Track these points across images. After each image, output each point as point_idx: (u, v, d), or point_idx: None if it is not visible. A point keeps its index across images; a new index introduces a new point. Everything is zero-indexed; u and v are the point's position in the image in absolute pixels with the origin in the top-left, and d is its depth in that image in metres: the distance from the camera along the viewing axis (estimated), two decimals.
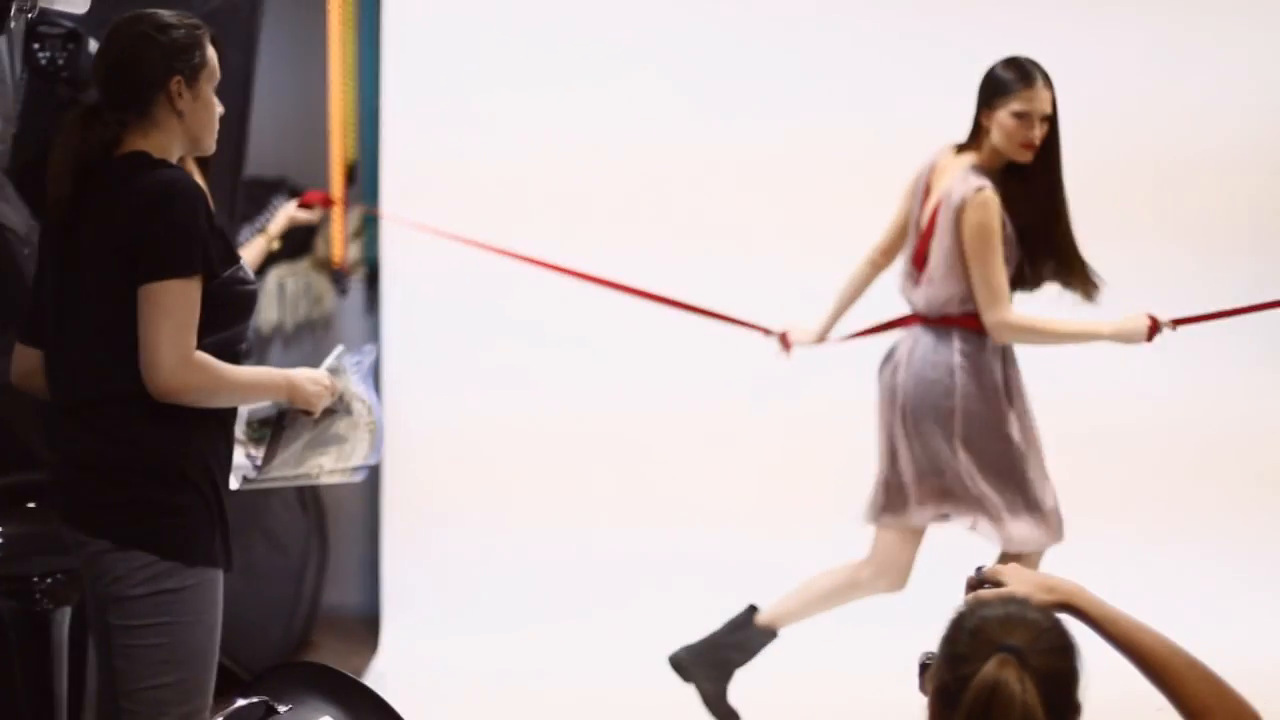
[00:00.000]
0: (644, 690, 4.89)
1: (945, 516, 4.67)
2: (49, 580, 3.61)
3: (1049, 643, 2.17)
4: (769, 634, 4.81)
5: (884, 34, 5.87)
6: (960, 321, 4.60)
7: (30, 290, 3.34)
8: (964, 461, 4.57)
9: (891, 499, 4.70)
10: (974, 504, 4.58)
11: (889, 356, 4.75)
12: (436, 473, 6.00)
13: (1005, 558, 4.57)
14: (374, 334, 6.10)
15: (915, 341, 4.67)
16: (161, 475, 3.11)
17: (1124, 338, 4.56)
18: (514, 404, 5.98)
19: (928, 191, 4.69)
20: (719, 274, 5.66)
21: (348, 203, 6.15)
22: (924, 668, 2.29)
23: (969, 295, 4.57)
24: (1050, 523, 4.61)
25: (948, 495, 4.61)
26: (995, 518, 4.58)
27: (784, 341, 5.03)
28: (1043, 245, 4.60)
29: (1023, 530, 4.58)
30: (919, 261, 4.66)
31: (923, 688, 2.28)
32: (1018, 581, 2.39)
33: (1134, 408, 5.88)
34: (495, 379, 5.98)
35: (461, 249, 5.55)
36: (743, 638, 4.81)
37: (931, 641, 2.26)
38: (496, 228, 5.67)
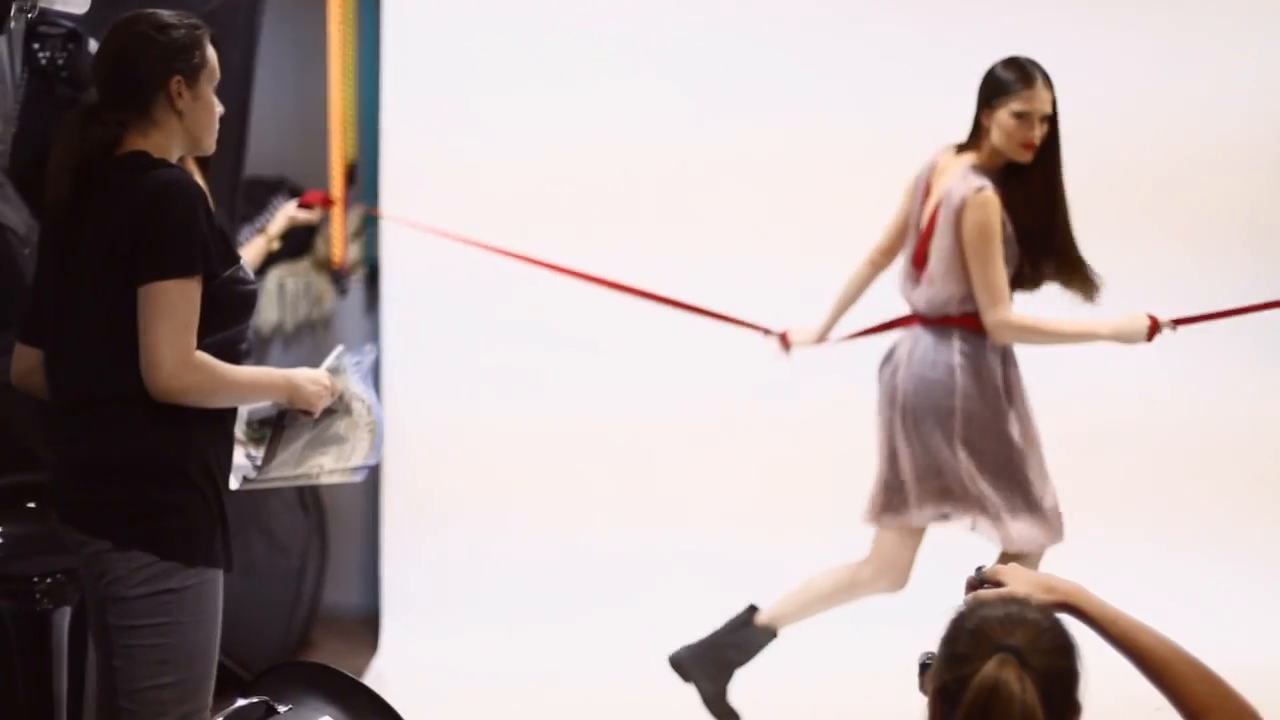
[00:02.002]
0: (644, 690, 4.90)
1: (945, 516, 4.67)
2: (49, 580, 3.61)
3: (1049, 642, 2.17)
4: (769, 634, 4.81)
5: (886, 33, 5.87)
6: (960, 322, 4.60)
7: (30, 290, 3.34)
8: (964, 462, 4.57)
9: (891, 499, 4.70)
10: (973, 504, 4.59)
11: (889, 357, 4.76)
12: (436, 473, 6.00)
13: (1005, 557, 4.57)
14: (374, 334, 6.10)
15: (915, 342, 4.67)
16: (162, 475, 3.11)
17: (1124, 338, 4.55)
18: (514, 405, 5.97)
19: (928, 191, 4.69)
20: (720, 275, 5.67)
21: (348, 203, 6.15)
22: (924, 667, 2.30)
23: (969, 295, 4.56)
24: (1050, 522, 4.61)
25: (947, 495, 4.62)
26: (995, 517, 4.58)
27: (783, 342, 5.04)
28: (1042, 245, 4.60)
29: (1022, 530, 4.57)
30: (919, 261, 4.66)
31: (923, 688, 2.28)
32: (1017, 581, 2.39)
33: (1134, 408, 5.89)
34: (495, 380, 5.97)
35: (462, 249, 5.56)
36: (742, 637, 4.81)
37: (931, 642, 2.26)
38: (497, 228, 5.67)
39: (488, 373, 5.98)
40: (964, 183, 4.53)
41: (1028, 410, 4.67)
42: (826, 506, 5.22)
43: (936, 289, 4.61)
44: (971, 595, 2.36)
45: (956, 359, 4.59)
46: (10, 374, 3.33)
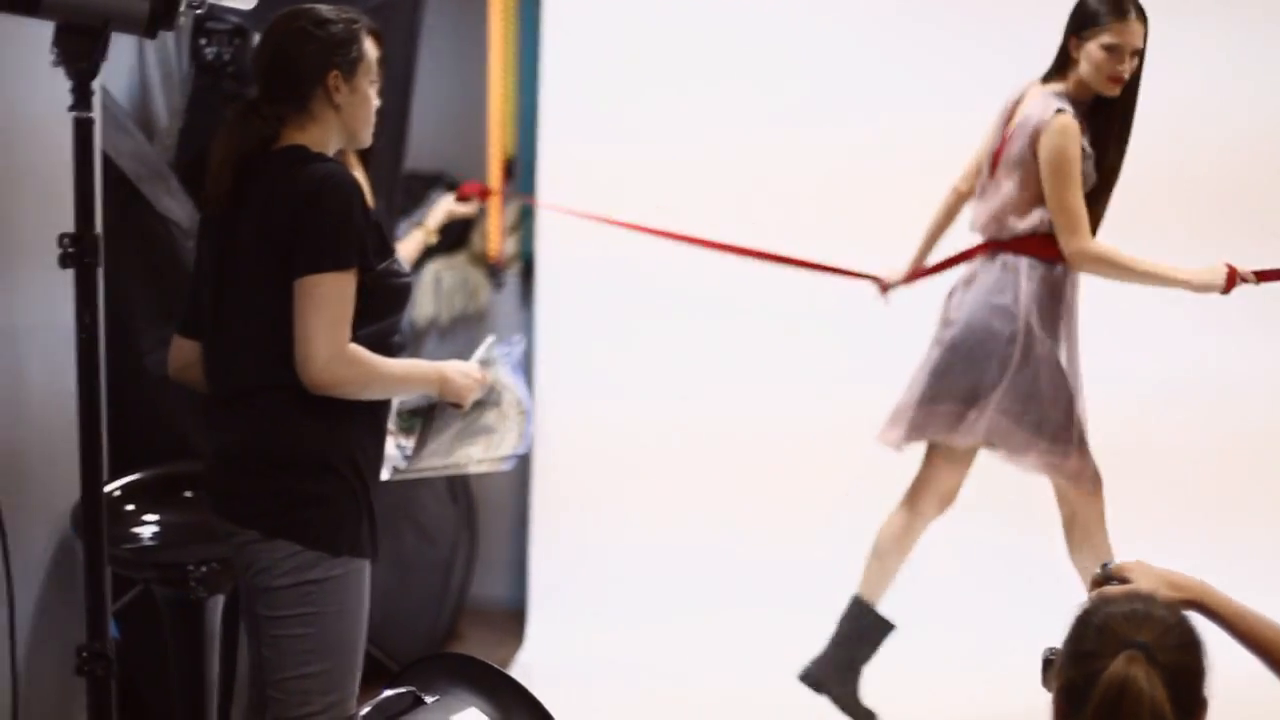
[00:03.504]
0: (785, 689, 4.87)
1: (991, 444, 4.60)
2: (204, 568, 3.67)
3: (1176, 639, 2.16)
4: (885, 625, 4.76)
5: (979, 37, 5.79)
6: (1027, 246, 4.50)
7: (189, 283, 3.40)
8: (1015, 388, 4.49)
9: (935, 420, 4.64)
10: (1018, 432, 4.52)
11: (955, 286, 4.70)
12: (585, 467, 6.02)
13: (1060, 496, 4.56)
14: (528, 328, 6.13)
15: (982, 267, 4.60)
16: (307, 466, 3.13)
17: (1202, 286, 4.42)
18: (665, 401, 5.97)
19: (1010, 118, 4.59)
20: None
21: (505, 197, 6.19)
22: (1048, 663, 2.29)
23: (1031, 215, 4.48)
24: (1087, 455, 4.54)
25: (995, 421, 4.54)
26: (1038, 448, 4.52)
27: (880, 286, 4.98)
28: (1105, 183, 4.50)
29: (1065, 461, 4.52)
30: (991, 176, 4.59)
31: (1047, 684, 2.27)
32: (1143, 577, 2.38)
33: (1147, 404, 5.74)
34: (647, 375, 5.98)
35: (616, 247, 5.58)
36: (860, 630, 4.76)
37: (1049, 639, 2.24)
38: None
39: (640, 368, 5.98)
40: (1043, 105, 4.43)
41: (1078, 341, 4.57)
42: (957, 508, 5.14)
43: (1000, 200, 4.52)
44: (1096, 592, 2.35)
45: (1024, 284, 4.51)
46: (168, 367, 3.39)
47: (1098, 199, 4.51)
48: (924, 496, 4.75)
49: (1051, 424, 4.53)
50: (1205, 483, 5.77)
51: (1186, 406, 5.76)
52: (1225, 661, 2.24)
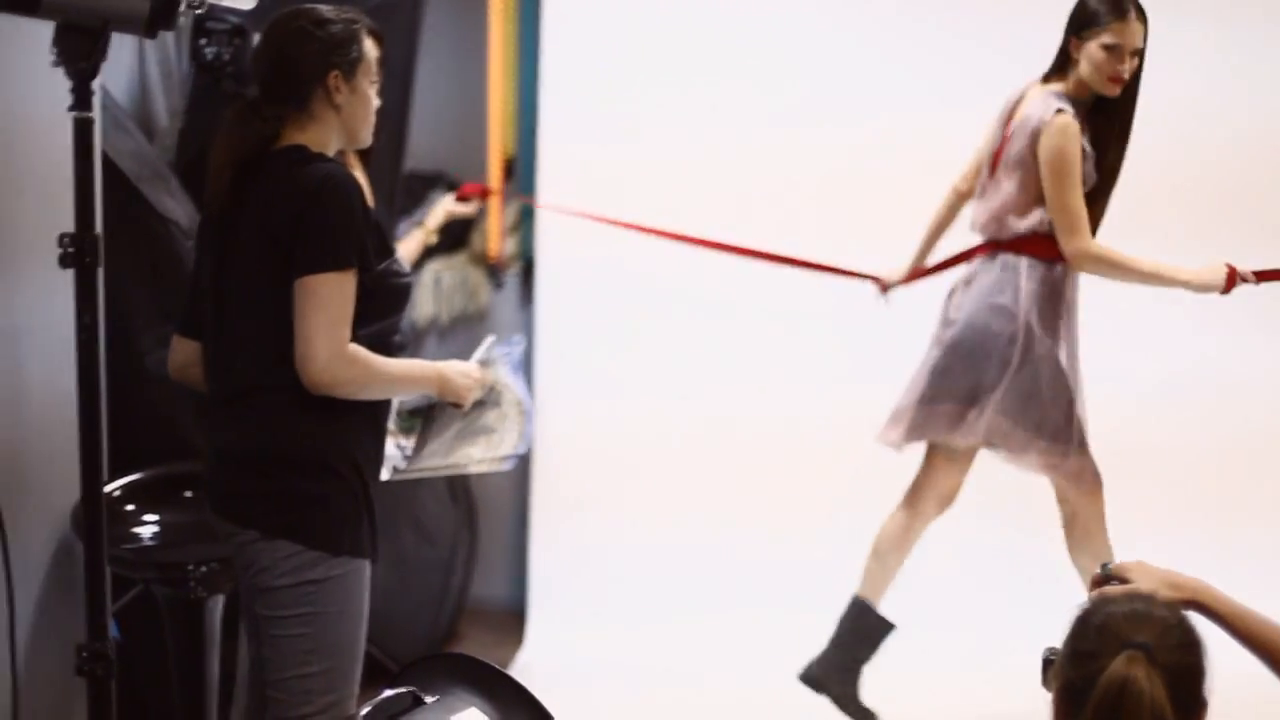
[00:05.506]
0: (783, 688, 4.87)
1: (992, 445, 4.61)
2: (203, 568, 3.68)
3: (1176, 639, 2.15)
4: (885, 625, 4.76)
5: (980, 37, 5.78)
6: (1028, 247, 4.51)
7: (188, 283, 3.40)
8: (1016, 387, 4.49)
9: (935, 421, 4.64)
10: (1020, 433, 4.52)
11: (954, 287, 4.70)
12: (586, 467, 6.02)
13: (1062, 497, 4.56)
14: (528, 328, 6.13)
15: (982, 267, 4.60)
16: (307, 466, 3.14)
17: (1202, 285, 4.42)
18: (662, 400, 5.97)
19: (1010, 117, 4.60)
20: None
21: (505, 196, 6.19)
22: (1048, 663, 2.29)
23: (1031, 214, 4.48)
24: (1088, 455, 4.54)
25: (993, 420, 4.54)
26: (1040, 449, 4.52)
27: (880, 286, 4.99)
28: (1105, 183, 4.51)
29: (1064, 461, 4.52)
30: (991, 177, 4.60)
31: (1047, 684, 2.27)
32: (1143, 577, 2.38)
33: (1147, 404, 5.73)
34: (645, 374, 5.98)
35: (616, 246, 5.57)
36: (862, 630, 4.76)
37: (1049, 640, 2.24)
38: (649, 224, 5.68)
39: (640, 367, 5.98)
40: (1043, 105, 4.44)
41: (1077, 341, 4.58)
42: (963, 507, 5.13)
43: (1000, 200, 4.52)
44: (1096, 592, 2.35)
45: (1023, 284, 4.51)
46: (168, 366, 3.39)
47: (1097, 199, 4.51)
48: (924, 496, 4.76)
49: (1051, 423, 4.53)
50: (1205, 483, 5.77)
51: (1186, 406, 5.76)
52: (1225, 662, 2.24)
